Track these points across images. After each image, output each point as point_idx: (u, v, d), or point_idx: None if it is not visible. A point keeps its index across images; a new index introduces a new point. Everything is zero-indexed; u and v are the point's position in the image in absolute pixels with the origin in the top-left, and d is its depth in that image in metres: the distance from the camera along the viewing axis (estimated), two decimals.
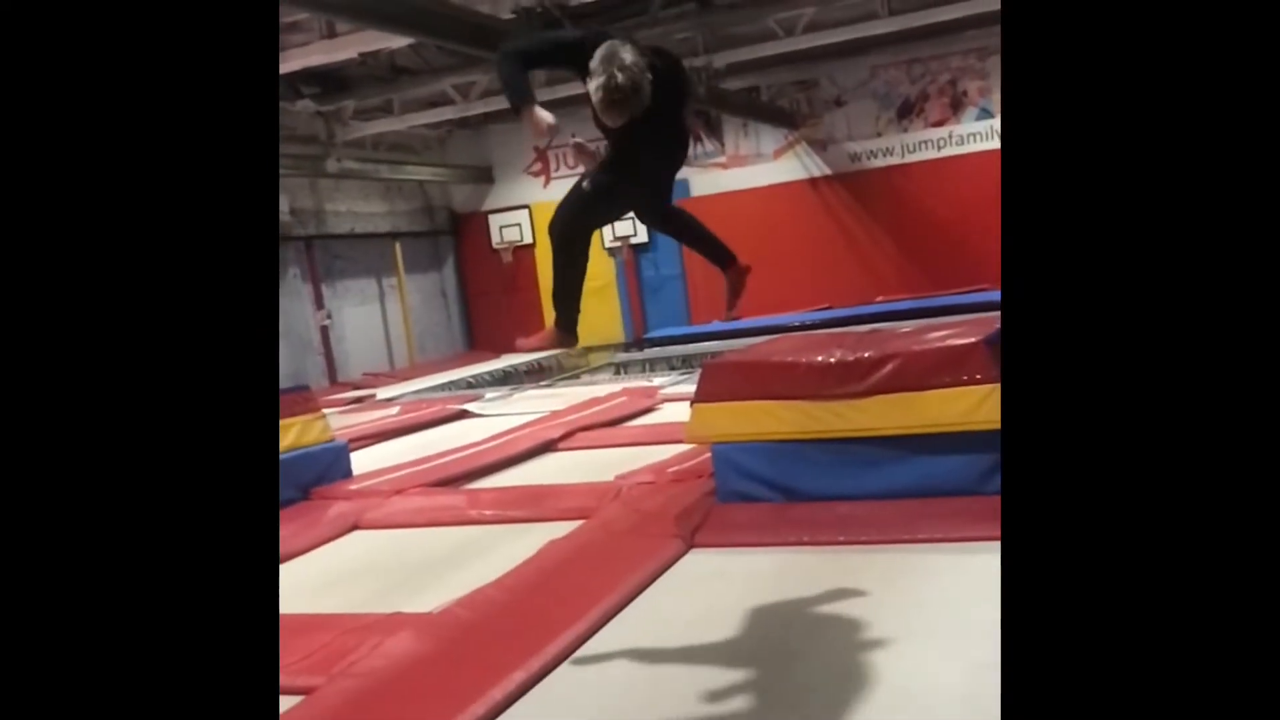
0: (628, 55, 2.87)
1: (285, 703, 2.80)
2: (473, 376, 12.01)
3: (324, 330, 12.55)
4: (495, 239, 14.57)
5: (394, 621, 3.40)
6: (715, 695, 2.70)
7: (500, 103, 11.41)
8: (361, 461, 6.60)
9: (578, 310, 3.46)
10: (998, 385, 3.86)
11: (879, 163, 12.68)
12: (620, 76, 2.83)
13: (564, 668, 2.97)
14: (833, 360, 4.28)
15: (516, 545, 4.24)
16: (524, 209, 14.38)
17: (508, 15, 7.98)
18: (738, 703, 2.65)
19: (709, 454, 4.68)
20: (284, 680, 2.99)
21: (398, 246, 13.78)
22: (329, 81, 10.79)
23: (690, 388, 5.34)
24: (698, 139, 3.78)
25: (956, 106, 12.30)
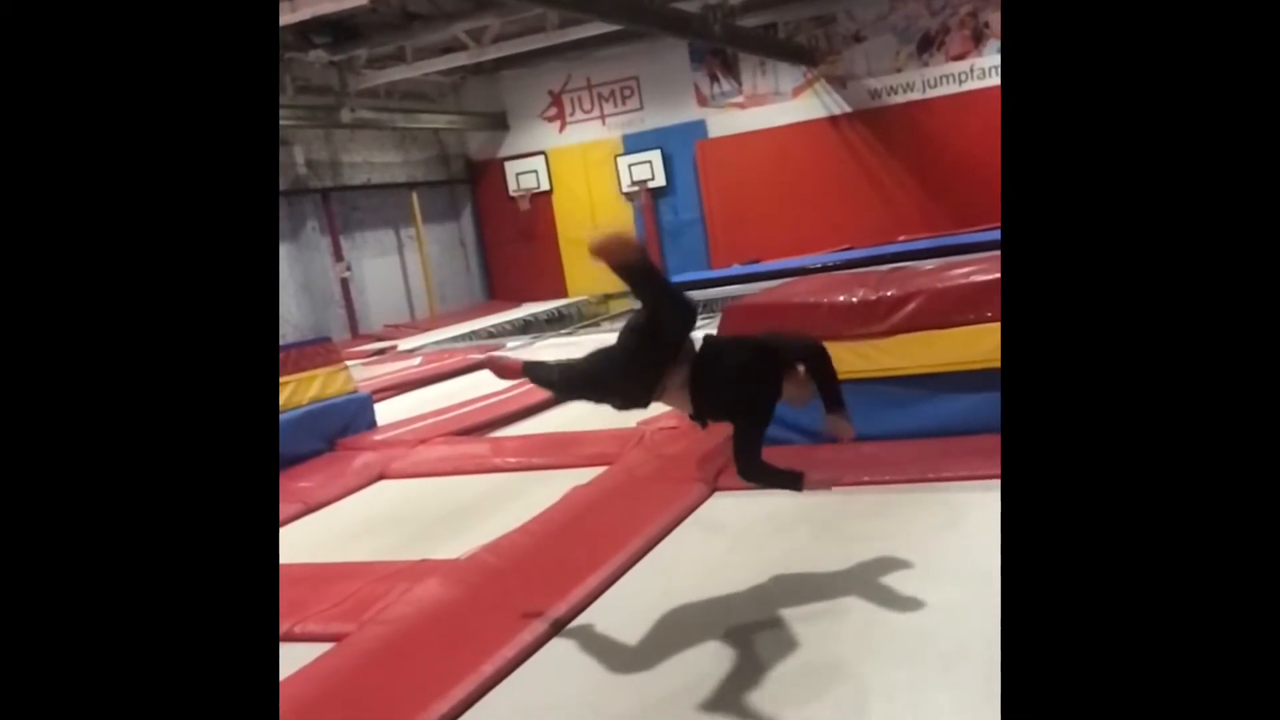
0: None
1: (317, 650, 2.84)
2: (493, 326, 12.03)
3: (344, 283, 12.57)
4: (512, 186, 14.48)
5: (422, 568, 3.43)
6: (741, 637, 2.72)
7: (513, 48, 11.26)
8: (385, 412, 6.64)
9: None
10: None
11: (899, 99, 12.47)
12: None
13: (591, 611, 2.99)
14: (855, 300, 4.24)
15: (541, 492, 4.27)
16: (540, 155, 14.26)
17: None
18: (763, 644, 2.67)
19: None
20: (315, 628, 3.04)
21: (414, 196, 13.72)
22: (340, 30, 10.68)
23: (712, 332, 5.30)
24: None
25: (978, 39, 12.04)
